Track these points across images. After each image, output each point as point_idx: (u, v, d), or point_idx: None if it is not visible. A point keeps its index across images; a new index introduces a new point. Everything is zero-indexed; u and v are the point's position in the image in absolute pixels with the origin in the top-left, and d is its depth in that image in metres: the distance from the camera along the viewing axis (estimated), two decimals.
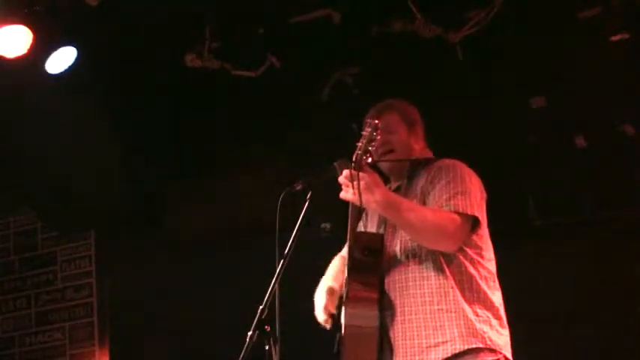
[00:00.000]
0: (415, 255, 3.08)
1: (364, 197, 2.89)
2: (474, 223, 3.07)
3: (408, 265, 3.08)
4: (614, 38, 4.64)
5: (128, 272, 5.93)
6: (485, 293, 3.07)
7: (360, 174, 2.89)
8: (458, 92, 4.92)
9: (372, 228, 3.31)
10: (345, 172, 2.93)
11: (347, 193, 2.94)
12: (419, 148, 3.33)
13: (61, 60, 4.72)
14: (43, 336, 6.26)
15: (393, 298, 3.07)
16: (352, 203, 3.06)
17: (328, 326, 3.22)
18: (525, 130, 5.09)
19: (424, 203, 3.12)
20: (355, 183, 2.87)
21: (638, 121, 4.94)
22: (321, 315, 3.25)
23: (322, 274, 3.41)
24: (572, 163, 5.10)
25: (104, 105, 5.02)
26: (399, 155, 3.27)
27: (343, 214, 3.16)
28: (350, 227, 3.13)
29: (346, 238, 3.18)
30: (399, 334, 3.05)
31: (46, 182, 5.60)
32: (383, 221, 3.24)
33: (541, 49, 4.71)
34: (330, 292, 3.25)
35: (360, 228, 3.36)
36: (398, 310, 3.06)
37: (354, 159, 2.92)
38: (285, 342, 2.78)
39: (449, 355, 2.96)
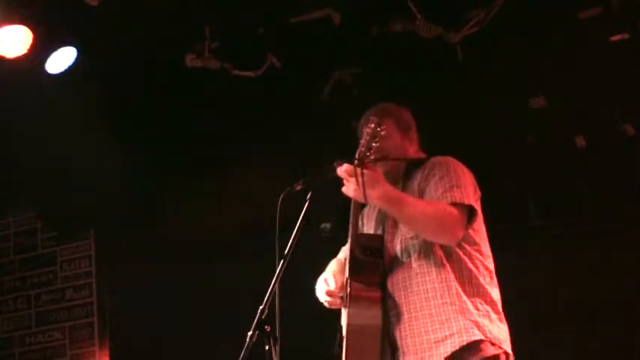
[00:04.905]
0: (415, 253, 3.11)
1: (367, 192, 2.90)
2: (471, 213, 3.10)
3: (410, 264, 3.11)
4: (614, 38, 4.64)
5: (128, 272, 5.92)
6: (484, 288, 3.11)
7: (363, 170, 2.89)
8: (458, 92, 4.91)
9: (369, 230, 3.32)
10: (344, 166, 2.94)
11: (348, 189, 2.96)
12: (412, 151, 3.35)
13: (61, 60, 4.72)
14: (43, 336, 6.26)
15: (397, 297, 3.09)
16: (354, 202, 3.07)
17: (334, 303, 3.21)
18: (525, 130, 5.09)
19: None
20: (358, 179, 2.87)
21: (638, 121, 4.95)
22: (323, 296, 3.25)
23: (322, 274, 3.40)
24: (572, 163, 5.10)
25: (104, 105, 5.02)
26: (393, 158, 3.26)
27: (343, 214, 3.17)
28: (352, 226, 3.14)
29: (346, 239, 3.19)
30: (406, 332, 3.06)
31: (46, 182, 5.59)
32: (380, 222, 3.26)
33: (541, 49, 4.71)
34: (327, 280, 3.26)
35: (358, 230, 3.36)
36: (404, 308, 3.07)
37: (356, 156, 2.92)
38: (285, 342, 2.78)
39: (457, 347, 2.98)
